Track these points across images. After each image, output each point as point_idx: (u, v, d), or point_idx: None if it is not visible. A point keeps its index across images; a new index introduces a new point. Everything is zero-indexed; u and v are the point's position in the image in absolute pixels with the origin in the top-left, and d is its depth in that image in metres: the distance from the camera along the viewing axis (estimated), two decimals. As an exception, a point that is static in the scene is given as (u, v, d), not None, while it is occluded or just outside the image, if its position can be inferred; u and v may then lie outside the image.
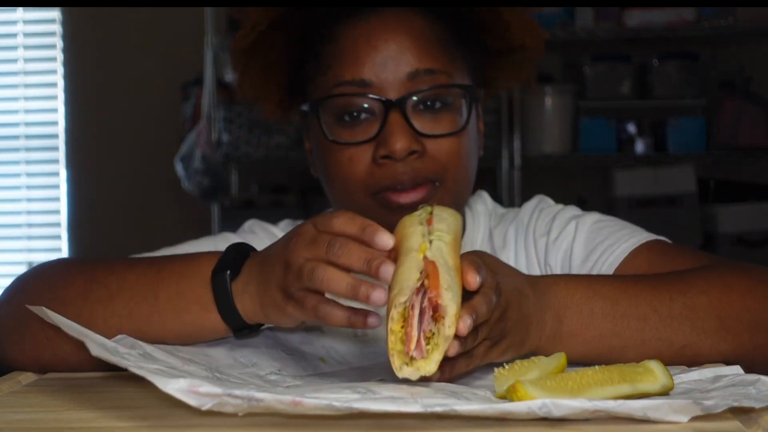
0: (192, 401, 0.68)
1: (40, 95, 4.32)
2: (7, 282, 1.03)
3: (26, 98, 4.32)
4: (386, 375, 0.89)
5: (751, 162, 3.71)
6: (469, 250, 0.88)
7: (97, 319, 0.92)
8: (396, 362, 0.75)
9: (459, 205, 1.14)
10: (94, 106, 4.19)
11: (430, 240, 0.79)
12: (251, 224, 1.25)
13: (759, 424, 0.69)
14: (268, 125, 3.49)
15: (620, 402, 0.68)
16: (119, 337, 0.90)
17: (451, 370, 0.80)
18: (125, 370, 0.76)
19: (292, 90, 1.19)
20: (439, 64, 1.09)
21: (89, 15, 4.12)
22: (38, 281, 1.00)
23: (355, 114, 1.08)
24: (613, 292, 0.93)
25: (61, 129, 4.27)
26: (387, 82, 1.07)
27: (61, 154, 4.28)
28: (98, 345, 0.81)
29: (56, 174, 4.30)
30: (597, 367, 0.78)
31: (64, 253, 4.28)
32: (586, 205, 1.30)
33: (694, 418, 0.69)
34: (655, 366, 0.79)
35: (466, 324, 0.75)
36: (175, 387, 0.68)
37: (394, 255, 0.79)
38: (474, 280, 0.78)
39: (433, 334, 0.74)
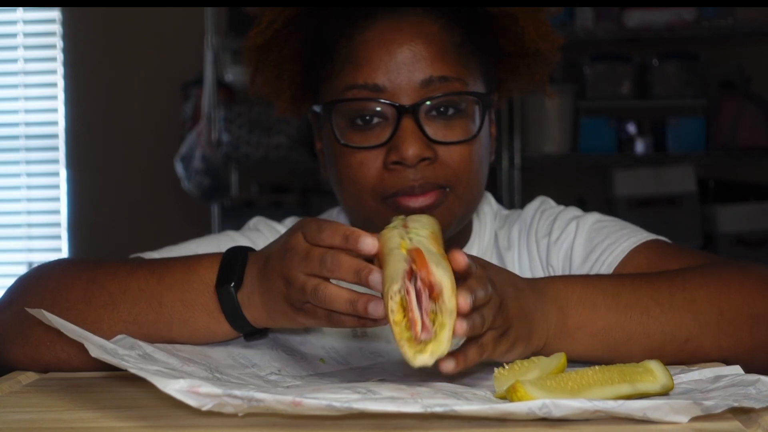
0: (192, 402, 0.68)
1: (40, 95, 4.32)
2: (8, 282, 1.03)
3: (26, 98, 4.32)
4: (386, 375, 0.89)
5: (751, 162, 3.71)
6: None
7: (102, 324, 0.93)
8: (408, 352, 0.73)
9: (469, 211, 1.15)
10: (94, 106, 4.19)
11: (410, 238, 0.79)
12: (256, 222, 1.25)
13: (759, 424, 0.69)
14: (268, 125, 3.49)
15: (620, 402, 0.69)
16: (118, 337, 0.91)
17: (465, 360, 0.79)
18: (125, 370, 0.76)
19: (305, 88, 1.19)
20: (454, 71, 1.08)
21: (89, 15, 4.12)
22: (39, 283, 1.00)
23: (367, 118, 1.07)
24: (612, 287, 0.94)
25: (61, 129, 4.27)
26: (400, 88, 1.06)
27: (61, 154, 4.27)
28: (97, 346, 0.81)
29: (56, 174, 4.30)
30: (597, 367, 0.78)
31: (64, 253, 4.27)
32: (586, 205, 1.31)
33: (694, 419, 0.69)
34: (655, 366, 0.79)
35: (465, 299, 0.74)
36: (175, 387, 0.68)
37: (380, 264, 0.79)
38: (462, 258, 0.77)
39: (436, 314, 0.74)
